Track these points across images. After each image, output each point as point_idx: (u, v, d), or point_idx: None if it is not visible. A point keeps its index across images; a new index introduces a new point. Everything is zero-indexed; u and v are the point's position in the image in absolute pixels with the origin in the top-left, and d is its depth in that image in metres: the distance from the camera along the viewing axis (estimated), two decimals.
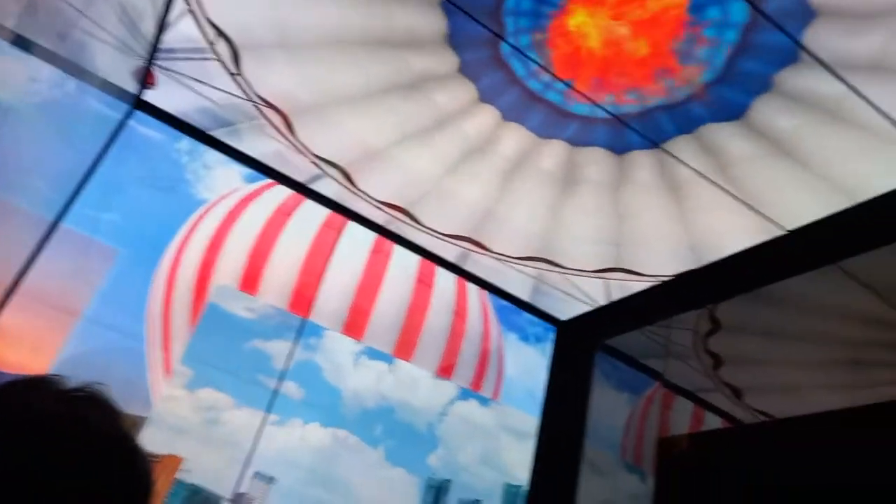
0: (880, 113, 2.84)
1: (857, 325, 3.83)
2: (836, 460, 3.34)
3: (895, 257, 3.66)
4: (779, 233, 3.69)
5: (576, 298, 5.18)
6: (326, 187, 5.58)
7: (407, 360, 7.22)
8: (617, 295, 4.90)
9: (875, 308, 3.72)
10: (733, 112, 3.27)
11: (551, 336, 5.59)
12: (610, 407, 5.11)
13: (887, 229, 3.48)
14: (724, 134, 3.41)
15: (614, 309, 4.99)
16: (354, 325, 7.10)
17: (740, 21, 3.05)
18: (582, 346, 5.32)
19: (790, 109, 3.09)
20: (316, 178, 5.65)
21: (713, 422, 4.52)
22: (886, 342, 3.57)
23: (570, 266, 4.92)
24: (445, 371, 7.39)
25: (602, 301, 5.05)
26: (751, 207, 3.54)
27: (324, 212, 7.48)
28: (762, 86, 3.10)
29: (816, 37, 2.96)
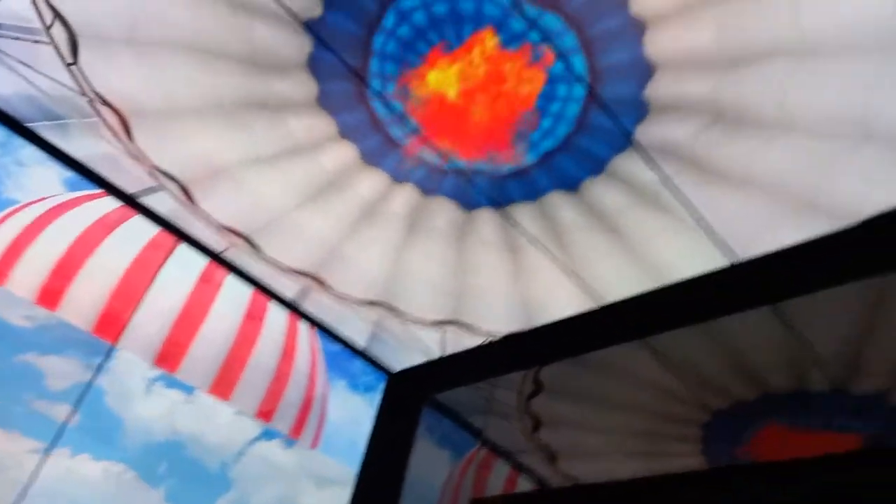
0: (689, 206, 3.35)
1: (657, 397, 4.35)
2: None
3: (690, 338, 4.26)
4: (599, 303, 4.15)
5: (411, 348, 5.35)
6: (160, 203, 5.37)
7: (224, 401, 6.94)
8: (451, 348, 5.15)
9: (671, 383, 4.28)
10: (570, 185, 3.69)
11: (381, 386, 5.70)
12: (431, 463, 5.27)
13: (687, 312, 4.06)
14: (560, 204, 3.82)
15: (447, 363, 5.22)
16: (169, 356, 6.73)
17: (581, 102, 3.48)
18: (411, 398, 5.47)
19: (619, 190, 3.55)
20: (149, 190, 5.44)
21: (527, 484, 4.83)
22: (678, 416, 4.08)
23: (409, 314, 5.11)
24: (265, 416, 7.18)
25: (437, 353, 5.27)
26: (576, 276, 3.97)
27: (152, 230, 7.12)
28: (597, 165, 3.54)
29: (646, 130, 3.45)
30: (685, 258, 3.71)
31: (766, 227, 3.37)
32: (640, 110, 3.40)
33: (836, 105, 2.71)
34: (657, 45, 3.02)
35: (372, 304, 5.36)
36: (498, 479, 4.99)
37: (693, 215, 3.42)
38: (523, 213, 4.03)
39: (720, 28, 2.76)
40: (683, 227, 3.57)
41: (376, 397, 5.76)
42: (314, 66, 4.80)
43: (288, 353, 7.36)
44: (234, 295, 7.21)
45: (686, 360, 4.27)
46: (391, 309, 5.30)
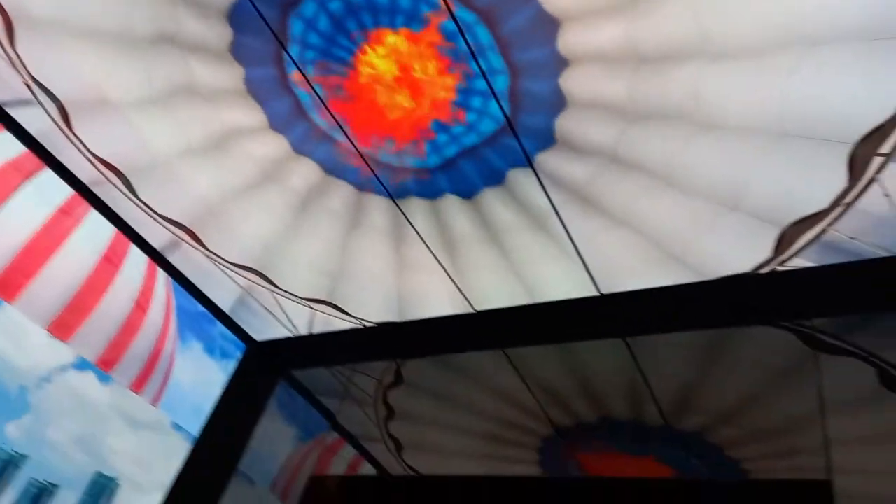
0: (570, 236, 3.58)
1: (509, 406, 4.58)
2: None
3: (549, 357, 4.54)
4: (469, 310, 4.32)
5: (277, 322, 5.24)
6: (31, 120, 4.86)
7: (64, 341, 6.38)
8: (319, 328, 5.10)
9: (524, 396, 4.52)
10: (467, 193, 3.81)
11: (238, 355, 5.54)
12: (277, 438, 5.18)
13: (551, 331, 4.33)
14: (455, 209, 3.93)
15: (312, 341, 5.17)
16: (7, 285, 6.09)
17: (494, 120, 3.60)
18: (268, 371, 5.36)
19: (508, 204, 3.72)
20: (21, 103, 4.94)
21: (369, 471, 4.89)
22: (524, 427, 4.33)
23: (282, 287, 5.00)
24: (106, 364, 6.69)
25: (303, 331, 5.20)
26: (454, 282, 4.10)
27: (14, 149, 6.42)
28: (495, 175, 3.69)
29: (546, 159, 3.63)
30: (558, 282, 3.94)
31: (634, 267, 3.67)
32: (548, 140, 3.58)
33: (717, 173, 3.03)
34: (574, 82, 3.21)
35: (245, 269, 5.19)
36: (341, 462, 5.02)
37: (572, 245, 3.65)
38: (418, 210, 4.10)
39: (633, 84, 2.99)
40: (562, 254, 3.79)
41: (231, 364, 5.59)
42: (235, 14, 4.59)
43: (141, 305, 6.92)
44: (93, 234, 6.66)
45: (541, 376, 4.54)
46: (264, 278, 5.16)
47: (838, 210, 2.95)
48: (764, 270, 3.28)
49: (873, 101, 2.61)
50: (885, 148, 2.69)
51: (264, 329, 5.50)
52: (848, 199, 2.89)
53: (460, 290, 4.21)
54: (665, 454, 3.80)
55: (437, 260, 4.06)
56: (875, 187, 2.79)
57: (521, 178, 3.71)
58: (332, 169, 4.19)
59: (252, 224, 4.84)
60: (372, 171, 3.86)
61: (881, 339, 3.35)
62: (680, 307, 3.69)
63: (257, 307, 5.36)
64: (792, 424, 3.50)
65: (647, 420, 3.93)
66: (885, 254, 3.02)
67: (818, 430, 3.28)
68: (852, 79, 2.52)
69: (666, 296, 3.64)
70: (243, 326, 5.54)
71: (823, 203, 2.92)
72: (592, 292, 3.88)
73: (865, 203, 2.88)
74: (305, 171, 4.35)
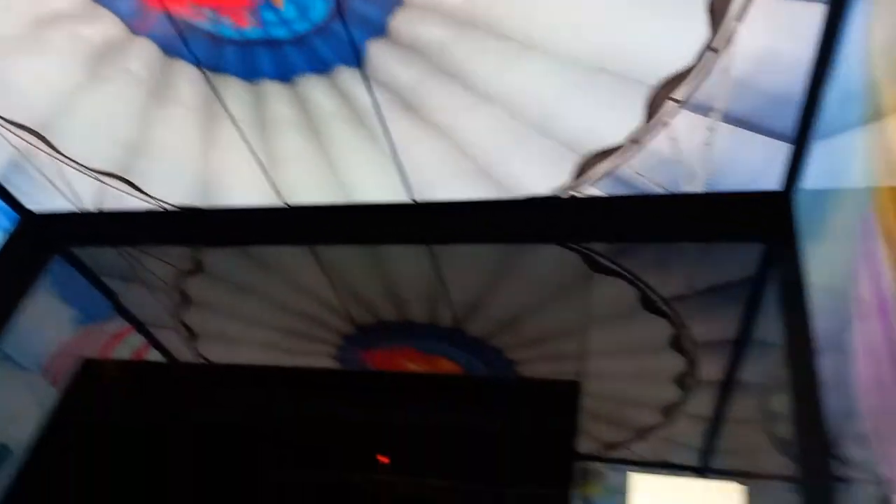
0: (387, 135, 3.57)
1: (312, 302, 4.62)
2: (251, 404, 3.98)
3: (356, 256, 4.64)
4: (280, 203, 4.23)
5: (60, 193, 4.72)
6: None
7: None
8: (110, 206, 4.69)
9: (328, 293, 4.60)
10: (288, 75, 3.62)
11: (7, 225, 4.96)
12: (50, 317, 4.80)
13: (362, 232, 4.42)
14: (274, 94, 3.73)
15: (99, 219, 4.77)
16: None
17: (327, 6, 3.40)
18: (43, 246, 4.88)
19: (331, 97, 3.62)
20: None
21: (156, 357, 4.72)
22: (325, 323, 4.42)
23: (67, 154, 4.48)
24: None
25: (90, 206, 4.74)
26: (265, 171, 3.97)
27: None
28: (322, 66, 3.54)
29: (376, 55, 3.53)
30: (373, 185, 3.97)
31: (446, 178, 3.80)
32: (379, 35, 3.48)
33: (533, 96, 3.18)
34: None
35: (21, 127, 4.54)
36: (125, 348, 4.78)
37: (390, 148, 3.67)
38: (234, 90, 3.83)
39: None
40: (379, 156, 3.80)
41: None
42: None
43: None
44: None
45: (347, 275, 4.62)
46: (45, 141, 4.57)
47: (632, 147, 3.25)
48: (562, 195, 3.56)
49: (680, 46, 2.85)
50: (679, 95, 2.98)
51: (43, 200, 4.94)
52: (640, 138, 3.19)
53: (271, 182, 4.08)
54: (454, 354, 4.13)
55: (249, 146, 3.87)
56: (664, 130, 3.11)
57: (347, 72, 3.59)
58: (135, 25, 3.72)
59: (32, 78, 4.21)
60: (179, 32, 3.51)
61: (646, 264, 3.89)
62: (484, 221, 3.94)
63: (35, 174, 4.75)
64: (562, 333, 3.97)
65: (441, 324, 4.21)
66: (662, 192, 3.41)
67: (582, 340, 3.76)
68: (664, 21, 2.73)
69: (473, 209, 3.85)
70: (16, 194, 4.94)
71: (620, 139, 3.21)
72: (405, 198, 3.96)
73: (654, 144, 3.21)
74: (102, 25, 3.81)
